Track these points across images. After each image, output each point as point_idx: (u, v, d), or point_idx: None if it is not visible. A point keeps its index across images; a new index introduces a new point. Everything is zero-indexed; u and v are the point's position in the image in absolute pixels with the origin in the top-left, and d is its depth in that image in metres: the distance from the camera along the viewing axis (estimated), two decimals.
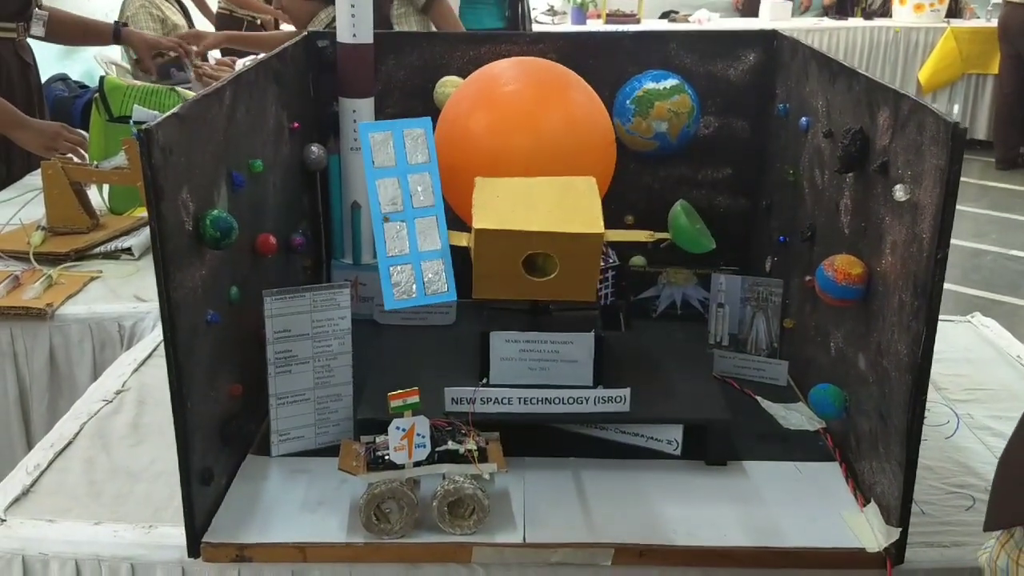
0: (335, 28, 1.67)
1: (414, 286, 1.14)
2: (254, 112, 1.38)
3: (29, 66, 2.94)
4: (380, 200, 1.12)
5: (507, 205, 1.23)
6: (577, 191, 1.26)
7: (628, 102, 1.64)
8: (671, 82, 1.64)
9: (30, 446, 1.90)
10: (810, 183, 1.47)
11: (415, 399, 1.17)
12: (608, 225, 1.25)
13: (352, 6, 1.61)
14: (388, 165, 1.11)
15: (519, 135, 1.39)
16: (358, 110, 1.68)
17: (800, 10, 7.77)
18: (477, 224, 1.19)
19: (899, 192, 1.11)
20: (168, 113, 1.06)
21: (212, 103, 1.21)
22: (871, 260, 1.21)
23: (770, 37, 1.72)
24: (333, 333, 1.33)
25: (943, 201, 1.01)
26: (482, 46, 1.73)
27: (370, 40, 1.66)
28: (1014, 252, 4.96)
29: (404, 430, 1.17)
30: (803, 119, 1.49)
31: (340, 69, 1.66)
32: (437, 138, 1.47)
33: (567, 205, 1.23)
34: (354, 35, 1.63)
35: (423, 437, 1.18)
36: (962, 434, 1.49)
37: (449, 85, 1.69)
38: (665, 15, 7.84)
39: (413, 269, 1.14)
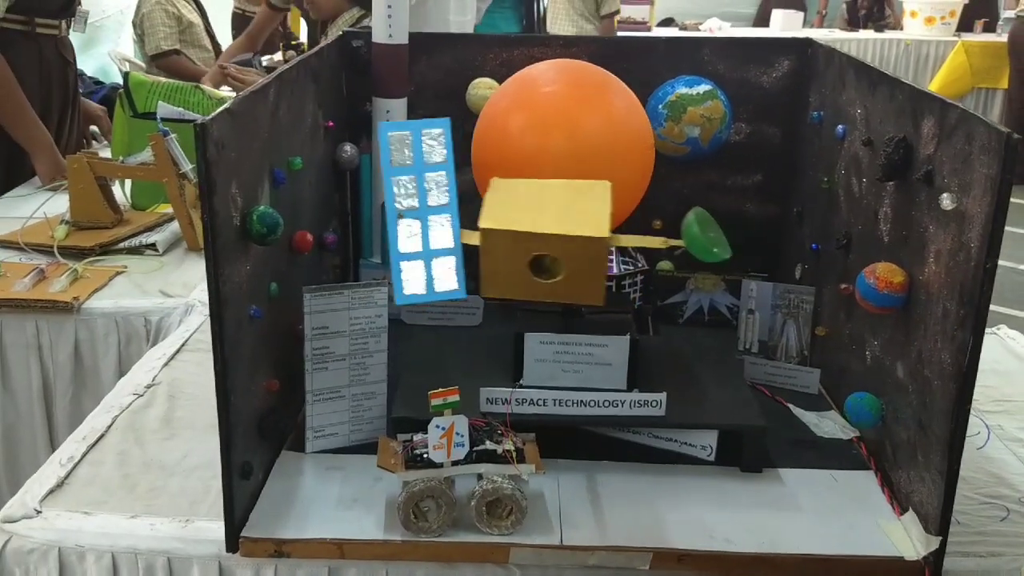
0: (360, 28, 1.67)
1: (424, 282, 1.14)
2: (295, 110, 1.38)
3: (69, 64, 2.95)
4: (396, 197, 1.12)
5: (517, 206, 1.21)
6: (590, 195, 1.24)
7: (660, 107, 1.65)
8: (704, 87, 1.64)
9: (52, 438, 1.90)
10: (846, 191, 1.47)
11: (455, 398, 1.17)
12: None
13: (388, 7, 1.62)
14: (405, 164, 1.12)
15: (557, 136, 1.38)
16: (391, 110, 1.69)
17: (813, 26, 7.80)
18: (483, 223, 1.18)
19: (946, 201, 1.11)
20: (221, 108, 1.07)
21: (259, 100, 1.21)
22: (913, 269, 1.21)
23: (804, 45, 1.73)
24: (369, 331, 1.33)
25: (994, 210, 1.01)
26: (515, 49, 1.74)
27: (405, 41, 1.66)
28: None
29: (444, 429, 1.17)
30: (839, 127, 1.49)
31: (375, 69, 1.67)
32: (475, 136, 1.48)
33: (577, 208, 1.21)
34: (390, 35, 1.64)
35: (462, 436, 1.18)
36: (993, 445, 1.49)
37: (482, 87, 1.69)
38: (664, 23, 7.78)
39: (424, 266, 1.14)
